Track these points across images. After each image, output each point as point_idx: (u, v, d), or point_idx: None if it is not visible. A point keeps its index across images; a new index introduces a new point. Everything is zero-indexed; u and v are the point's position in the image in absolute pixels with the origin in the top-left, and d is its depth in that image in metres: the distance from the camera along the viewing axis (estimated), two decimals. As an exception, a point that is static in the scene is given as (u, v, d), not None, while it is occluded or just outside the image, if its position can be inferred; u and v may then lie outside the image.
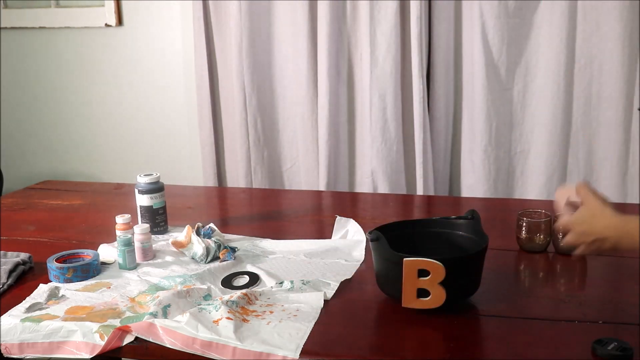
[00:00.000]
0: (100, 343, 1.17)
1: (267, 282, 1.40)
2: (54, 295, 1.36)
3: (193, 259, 1.53)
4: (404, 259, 1.20)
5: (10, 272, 1.44)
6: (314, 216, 1.95)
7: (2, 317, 1.26)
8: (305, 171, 2.66)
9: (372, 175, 2.56)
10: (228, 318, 1.19)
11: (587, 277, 1.45)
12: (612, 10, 2.23)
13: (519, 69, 2.38)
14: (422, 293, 1.20)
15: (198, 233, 1.58)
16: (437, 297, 1.20)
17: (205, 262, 1.51)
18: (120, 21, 2.84)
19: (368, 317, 1.26)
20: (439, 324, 1.20)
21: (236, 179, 2.75)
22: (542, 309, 1.26)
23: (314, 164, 2.63)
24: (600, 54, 2.30)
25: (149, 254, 1.55)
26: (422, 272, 1.19)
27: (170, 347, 1.16)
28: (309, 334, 1.16)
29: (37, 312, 1.28)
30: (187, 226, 1.58)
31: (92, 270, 1.46)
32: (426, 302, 1.21)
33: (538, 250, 1.53)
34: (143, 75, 2.88)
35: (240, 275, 1.44)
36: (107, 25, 2.84)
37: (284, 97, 2.64)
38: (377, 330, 1.23)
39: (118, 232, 1.49)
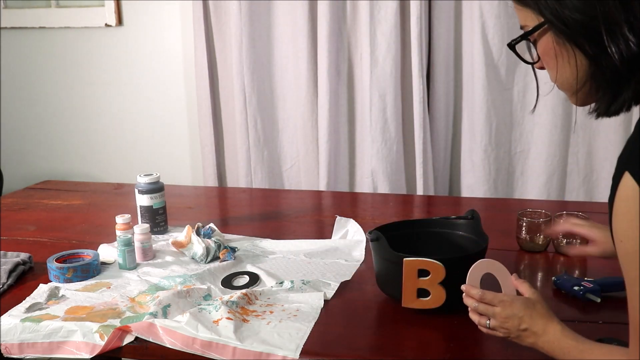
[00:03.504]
0: (100, 343, 1.17)
1: (267, 282, 1.40)
2: (54, 295, 1.36)
3: (193, 259, 1.53)
4: (404, 259, 1.20)
5: (10, 272, 1.44)
6: (314, 216, 1.95)
7: (2, 317, 1.26)
8: (305, 171, 2.66)
9: (372, 175, 2.55)
10: (228, 318, 1.19)
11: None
12: (612, 10, 2.22)
13: (519, 69, 2.38)
14: (422, 293, 1.21)
15: (198, 233, 1.58)
16: (437, 297, 1.20)
17: (205, 262, 1.51)
18: (120, 21, 2.84)
19: (368, 317, 1.26)
20: (439, 324, 1.20)
21: (236, 179, 2.75)
22: (542, 309, 1.26)
23: (314, 164, 2.63)
24: (600, 54, 2.29)
25: (149, 254, 1.55)
26: (422, 272, 1.20)
27: (170, 347, 1.16)
28: (309, 334, 1.16)
29: (37, 312, 1.28)
30: (187, 226, 1.58)
31: (92, 270, 1.46)
32: (426, 302, 1.21)
33: (538, 250, 1.53)
34: (143, 75, 2.88)
35: (240, 275, 1.44)
36: (107, 25, 2.84)
37: (284, 97, 2.64)
38: (377, 330, 1.23)
39: (118, 232, 1.49)
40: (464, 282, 1.24)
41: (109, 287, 1.40)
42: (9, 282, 1.41)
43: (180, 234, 1.59)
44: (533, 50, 0.98)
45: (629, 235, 0.76)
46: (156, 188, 1.70)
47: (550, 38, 0.92)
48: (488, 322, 1.08)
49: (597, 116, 0.92)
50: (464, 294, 1.13)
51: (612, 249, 1.19)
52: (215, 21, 2.63)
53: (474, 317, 1.11)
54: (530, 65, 1.01)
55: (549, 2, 0.89)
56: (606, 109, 0.91)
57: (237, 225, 1.78)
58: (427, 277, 1.20)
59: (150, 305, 1.28)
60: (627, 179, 0.76)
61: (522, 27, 0.98)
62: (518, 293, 1.11)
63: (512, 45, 0.99)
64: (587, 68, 0.89)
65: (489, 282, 1.13)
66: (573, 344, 0.99)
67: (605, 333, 1.12)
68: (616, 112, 0.91)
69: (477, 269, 1.14)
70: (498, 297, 1.08)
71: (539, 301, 1.06)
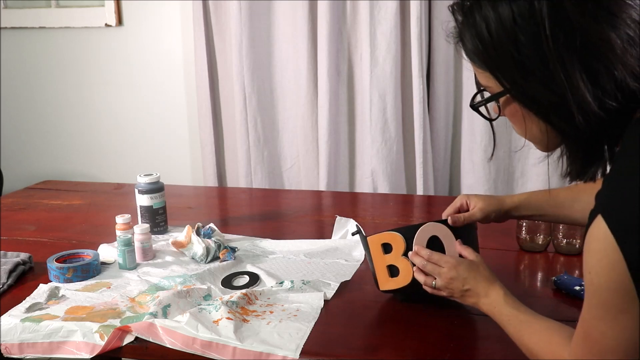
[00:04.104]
0: (100, 343, 1.17)
1: (267, 282, 1.40)
2: (54, 295, 1.36)
3: (193, 259, 1.53)
4: (368, 237, 1.24)
5: (10, 272, 1.44)
6: (314, 216, 1.95)
7: (2, 317, 1.26)
8: (305, 171, 2.66)
9: (372, 175, 2.56)
10: (228, 318, 1.19)
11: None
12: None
13: (519, 69, 2.38)
14: (394, 273, 1.22)
15: (198, 233, 1.58)
16: (405, 272, 1.21)
17: (205, 262, 1.51)
18: (120, 21, 2.84)
19: (368, 317, 1.26)
20: (439, 324, 1.20)
21: (236, 179, 2.75)
22: (542, 309, 1.25)
23: (314, 164, 2.63)
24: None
25: (149, 254, 1.55)
26: (388, 249, 1.22)
27: (170, 347, 1.16)
28: (309, 334, 1.16)
29: (37, 312, 1.28)
30: (187, 226, 1.58)
31: (92, 270, 1.46)
32: (398, 281, 1.22)
33: (538, 250, 1.53)
34: (143, 75, 2.88)
35: (240, 275, 1.44)
36: (107, 25, 2.84)
37: (284, 97, 2.64)
38: (377, 330, 1.23)
39: (118, 232, 1.49)
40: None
41: (109, 287, 1.40)
42: (9, 282, 1.41)
43: (180, 234, 1.59)
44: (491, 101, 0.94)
45: (597, 271, 0.80)
46: (156, 188, 1.70)
47: (516, 104, 0.89)
48: (434, 282, 1.16)
49: (571, 180, 0.92)
50: (412, 253, 1.19)
51: (493, 215, 1.25)
52: (215, 21, 2.63)
53: (419, 276, 1.19)
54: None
55: (512, 75, 0.86)
56: (578, 174, 0.91)
57: (237, 225, 1.78)
58: (392, 252, 1.21)
59: (150, 305, 1.27)
60: (600, 221, 0.78)
61: (482, 86, 0.94)
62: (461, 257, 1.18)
63: (475, 107, 0.96)
64: (557, 135, 0.89)
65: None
66: (514, 312, 1.04)
67: (605, 333, 1.12)
68: (592, 178, 0.90)
69: (424, 232, 1.19)
70: (444, 259, 1.16)
71: (481, 264, 1.13)
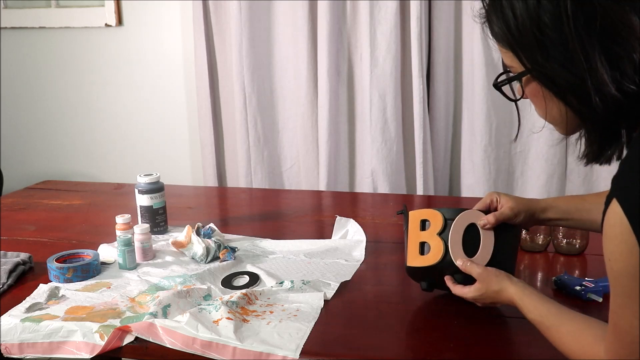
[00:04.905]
0: (100, 343, 1.17)
1: (267, 282, 1.40)
2: (54, 295, 1.36)
3: (193, 259, 1.53)
4: (410, 211, 1.24)
5: (10, 272, 1.44)
6: (314, 216, 1.95)
7: (2, 317, 1.26)
8: (305, 171, 2.66)
9: (372, 175, 2.56)
10: (228, 318, 1.19)
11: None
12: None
13: (519, 69, 2.38)
14: (425, 251, 1.21)
15: (198, 233, 1.58)
16: (435, 251, 1.19)
17: (205, 262, 1.51)
18: (120, 21, 2.84)
19: (368, 317, 1.26)
20: (439, 324, 1.20)
21: (236, 179, 2.75)
22: (542, 309, 1.26)
23: (314, 164, 2.63)
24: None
25: (149, 254, 1.55)
26: (425, 226, 1.22)
27: (170, 347, 1.16)
28: (309, 334, 1.16)
29: (37, 312, 1.28)
30: (187, 226, 1.58)
31: (92, 270, 1.46)
32: (426, 259, 1.20)
33: (538, 250, 1.53)
34: (143, 75, 2.88)
35: (240, 275, 1.44)
36: (107, 25, 2.84)
37: (284, 97, 2.64)
38: (377, 331, 1.23)
39: (118, 232, 1.49)
40: (461, 238, 1.20)
41: (109, 287, 1.40)
42: (9, 282, 1.41)
43: (180, 234, 1.59)
44: (515, 82, 0.97)
45: (616, 258, 0.80)
46: (156, 188, 1.70)
47: (538, 84, 0.91)
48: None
49: (587, 163, 0.92)
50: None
51: (522, 215, 1.21)
52: (215, 21, 2.63)
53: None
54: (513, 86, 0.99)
55: (534, 55, 0.87)
56: (595, 157, 0.91)
57: (237, 225, 1.78)
58: (428, 229, 1.21)
59: (150, 305, 1.27)
60: (615, 205, 0.78)
61: (506, 67, 0.97)
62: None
63: (498, 86, 0.99)
64: (576, 117, 0.90)
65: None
66: (543, 311, 1.02)
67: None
68: (607, 161, 0.90)
69: (464, 218, 1.19)
70: (468, 292, 1.15)
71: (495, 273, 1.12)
